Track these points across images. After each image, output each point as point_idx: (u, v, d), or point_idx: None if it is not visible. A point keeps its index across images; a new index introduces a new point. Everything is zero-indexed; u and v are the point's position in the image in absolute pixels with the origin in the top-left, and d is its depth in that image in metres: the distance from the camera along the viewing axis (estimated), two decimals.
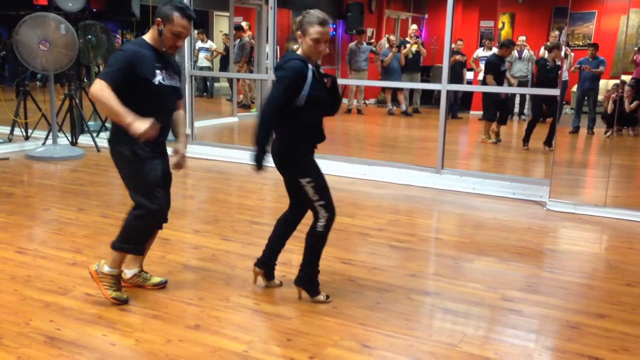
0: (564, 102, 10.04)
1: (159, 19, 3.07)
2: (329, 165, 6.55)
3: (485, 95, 9.30)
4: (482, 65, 11.59)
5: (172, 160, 3.28)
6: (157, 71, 3.08)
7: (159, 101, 3.12)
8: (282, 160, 3.14)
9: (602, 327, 3.08)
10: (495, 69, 8.85)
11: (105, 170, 6.60)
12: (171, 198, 3.31)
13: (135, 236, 3.22)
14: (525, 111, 11.87)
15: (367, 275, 3.67)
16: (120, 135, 3.01)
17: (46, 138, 7.52)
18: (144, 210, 3.13)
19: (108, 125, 8.34)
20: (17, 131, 7.90)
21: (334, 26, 14.56)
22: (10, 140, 7.74)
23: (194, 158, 7.22)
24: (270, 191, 5.78)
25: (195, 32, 11.95)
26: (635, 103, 9.14)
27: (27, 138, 7.92)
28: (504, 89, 12.21)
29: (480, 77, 11.56)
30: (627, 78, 9.52)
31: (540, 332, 3.04)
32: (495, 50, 10.64)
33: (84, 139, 7.88)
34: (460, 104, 12.41)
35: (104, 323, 2.97)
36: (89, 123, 8.12)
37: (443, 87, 6.09)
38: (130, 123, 2.86)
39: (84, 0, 7.41)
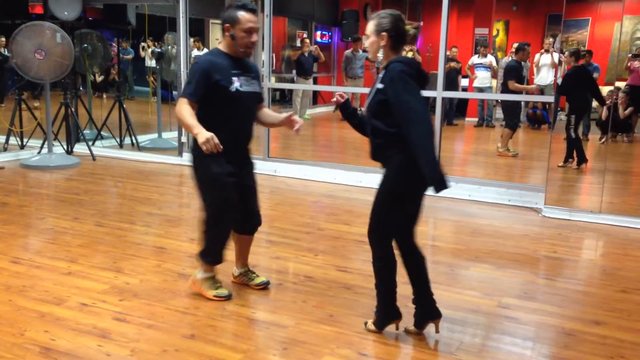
0: (559, 109, 10.07)
1: (226, 24, 3.12)
2: (325, 172, 6.57)
3: (509, 103, 8.87)
4: (477, 72, 11.66)
5: (291, 125, 3.31)
6: (234, 78, 3.14)
7: (238, 108, 3.18)
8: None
9: (598, 334, 3.08)
10: (518, 74, 8.59)
11: (100, 179, 6.59)
12: (240, 207, 3.34)
13: (209, 246, 3.35)
14: (520, 118, 11.89)
15: (363, 283, 3.66)
16: (197, 148, 3.11)
17: (41, 147, 7.51)
18: (210, 223, 3.28)
19: (104, 133, 8.34)
20: (12, 140, 7.89)
21: (330, 34, 14.62)
22: (5, 150, 7.72)
23: (190, 166, 7.21)
24: (266, 199, 5.78)
25: (191, 40, 11.95)
26: (629, 109, 9.18)
27: (22, 147, 7.90)
28: (499, 96, 12.24)
29: (477, 84, 11.61)
30: (621, 84, 9.57)
31: (536, 340, 3.04)
32: (508, 57, 10.66)
33: (80, 148, 7.87)
34: (455, 110, 12.44)
35: (99, 333, 2.96)
36: (84, 131, 8.11)
37: (438, 94, 6.10)
38: (196, 134, 2.99)
39: (80, 8, 7.43)
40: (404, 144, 2.71)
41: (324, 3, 14.37)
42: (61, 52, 6.83)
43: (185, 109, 3.06)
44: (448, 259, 4.20)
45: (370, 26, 2.86)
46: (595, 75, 8.54)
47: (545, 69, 10.41)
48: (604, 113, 8.80)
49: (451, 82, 11.33)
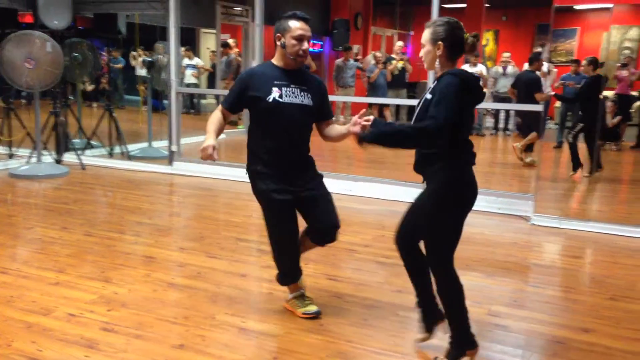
0: (547, 118, 10.15)
1: (278, 34, 3.11)
2: None
3: (528, 114, 8.39)
4: None
5: (354, 129, 3.00)
6: (275, 89, 3.11)
7: (277, 118, 3.11)
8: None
9: (587, 342, 3.08)
10: (540, 85, 8.18)
11: (90, 189, 6.56)
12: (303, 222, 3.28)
13: (278, 267, 3.36)
14: (510, 126, 11.96)
15: (353, 292, 3.66)
16: (248, 164, 3.24)
17: (30, 156, 7.46)
18: (271, 244, 3.29)
19: (93, 142, 8.31)
20: (1, 149, 7.84)
21: (321, 43, 14.66)
22: None
23: (180, 175, 7.20)
24: (257, 208, 5.76)
25: (182, 49, 11.97)
26: (617, 118, 9.26)
27: (11, 156, 7.85)
28: (490, 105, 12.32)
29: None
30: (609, 93, 9.66)
31: (526, 347, 3.04)
32: (499, 66, 10.65)
33: (69, 157, 7.83)
34: None
35: (86, 344, 2.93)
36: (74, 141, 8.08)
37: None
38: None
39: (70, 17, 7.42)
40: (452, 159, 2.65)
41: (315, 12, 14.43)
42: (51, 61, 6.80)
43: (214, 116, 3.19)
44: None
45: (426, 34, 2.72)
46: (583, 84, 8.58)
47: None
48: None
49: None
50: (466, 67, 11.80)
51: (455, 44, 2.68)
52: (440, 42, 2.66)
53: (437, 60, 2.68)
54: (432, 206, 2.71)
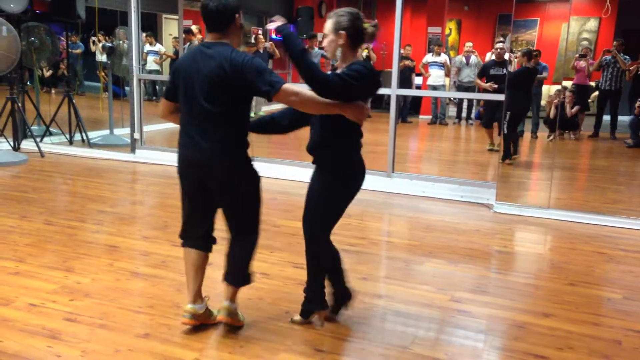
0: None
1: (237, 14, 2.82)
2: (281, 169, 6.55)
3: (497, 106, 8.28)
4: (431, 71, 11.82)
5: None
6: None
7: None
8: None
9: (547, 326, 3.16)
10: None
11: (49, 177, 6.42)
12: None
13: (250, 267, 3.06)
14: (472, 115, 12.12)
15: None
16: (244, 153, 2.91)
17: None
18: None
19: (52, 129, 8.12)
20: None
21: None
22: None
23: (143, 163, 7.09)
24: None
25: (144, 35, 11.77)
26: (575, 108, 9.47)
27: None
28: (453, 94, 12.47)
29: (431, 81, 11.76)
30: (568, 84, 9.86)
31: (488, 332, 3.11)
32: (462, 55, 10.78)
33: (27, 144, 7.64)
34: (409, 108, 12.59)
35: (48, 334, 2.88)
36: (32, 127, 7.87)
37: (393, 91, 6.16)
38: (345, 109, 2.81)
39: (27, 1, 7.20)
40: (345, 143, 2.86)
41: None
42: (7, 45, 6.61)
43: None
44: (402, 254, 4.26)
45: (329, 24, 2.82)
46: (544, 74, 8.75)
47: None
48: (552, 112, 9.06)
49: (405, 80, 11.45)
50: (430, 57, 11.91)
51: (356, 34, 2.82)
52: (342, 32, 2.79)
53: (339, 48, 2.82)
54: (326, 184, 2.89)
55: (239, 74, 2.67)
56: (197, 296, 2.96)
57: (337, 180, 2.89)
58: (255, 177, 2.91)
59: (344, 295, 3.13)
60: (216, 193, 2.86)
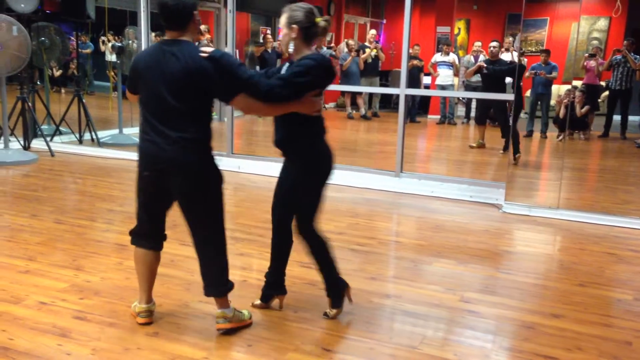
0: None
1: (195, 12, 2.85)
2: None
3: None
4: (440, 70, 11.79)
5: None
6: None
7: None
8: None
9: (556, 327, 3.15)
10: None
11: (59, 176, 6.45)
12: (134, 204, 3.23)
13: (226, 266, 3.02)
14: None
15: None
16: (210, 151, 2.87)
17: None
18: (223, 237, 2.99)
19: (62, 129, 8.16)
20: None
21: None
22: None
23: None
24: (229, 196, 5.74)
25: (153, 34, 11.80)
26: (585, 108, 9.42)
27: None
28: (461, 94, 12.43)
29: (440, 81, 11.75)
30: (578, 83, 9.81)
31: (497, 333, 3.10)
32: (470, 55, 10.87)
33: (38, 143, 7.69)
34: (418, 108, 12.57)
35: (58, 332, 2.90)
36: (42, 127, 7.92)
37: (401, 91, 6.15)
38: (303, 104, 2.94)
39: (37, 1, 7.24)
40: (312, 134, 3.00)
41: None
42: (18, 45, 6.65)
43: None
44: (411, 254, 4.25)
45: (283, 19, 2.95)
46: (553, 74, 8.71)
47: None
48: (562, 111, 9.02)
49: (414, 80, 11.43)
50: (438, 56, 11.88)
51: (309, 28, 2.93)
52: (294, 26, 2.91)
53: (292, 42, 2.93)
54: (300, 178, 3.01)
55: (203, 75, 2.71)
56: (150, 297, 3.02)
57: (309, 171, 3.00)
58: (219, 176, 2.88)
59: (338, 286, 3.16)
60: (177, 192, 2.85)
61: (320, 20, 2.95)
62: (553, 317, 3.27)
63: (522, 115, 10.26)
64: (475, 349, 2.92)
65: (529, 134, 9.24)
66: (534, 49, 12.79)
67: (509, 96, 7.33)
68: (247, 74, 2.76)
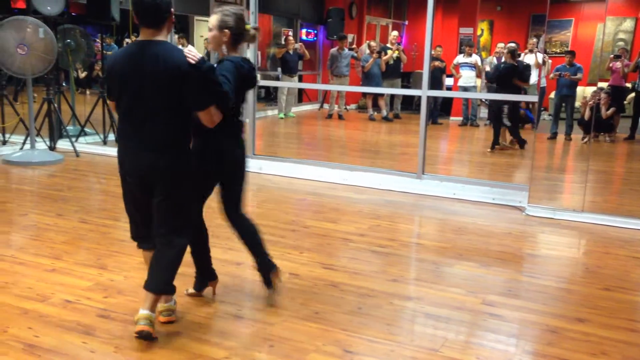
0: (542, 109, 10.18)
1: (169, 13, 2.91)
2: (310, 170, 6.57)
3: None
4: (462, 72, 11.72)
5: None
6: None
7: None
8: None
9: (581, 332, 3.11)
10: None
11: (84, 176, 6.54)
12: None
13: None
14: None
15: (349, 281, 3.67)
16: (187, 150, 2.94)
17: (24, 143, 7.42)
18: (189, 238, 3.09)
19: (87, 130, 8.26)
20: None
21: (315, 32, 14.61)
22: None
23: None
24: (251, 197, 5.77)
25: (176, 36, 11.91)
26: (611, 110, 9.29)
27: (4, 142, 7.81)
28: (484, 95, 12.33)
29: (462, 83, 11.68)
30: (603, 85, 9.68)
31: (520, 337, 3.07)
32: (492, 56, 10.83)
33: (63, 144, 7.80)
34: (440, 109, 12.50)
35: (83, 330, 2.94)
36: (67, 128, 8.03)
37: (423, 92, 6.13)
38: None
39: (63, 3, 7.35)
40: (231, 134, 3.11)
41: (309, 1, 14.37)
42: (44, 47, 6.75)
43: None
44: (433, 256, 4.23)
45: (214, 21, 3.04)
46: (578, 75, 8.62)
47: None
48: (587, 113, 8.90)
49: (436, 81, 11.38)
50: (461, 57, 11.81)
51: (239, 34, 3.08)
52: (226, 30, 3.03)
53: (224, 45, 3.05)
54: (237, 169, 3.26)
55: (183, 79, 2.70)
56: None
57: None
58: (192, 177, 2.93)
59: (268, 267, 3.31)
60: (157, 191, 2.85)
61: (250, 29, 3.12)
62: (577, 322, 3.23)
63: (546, 117, 10.17)
64: (497, 352, 2.90)
65: (554, 136, 9.14)
66: (558, 50, 12.65)
67: (534, 98, 7.26)
68: (224, 89, 2.80)
